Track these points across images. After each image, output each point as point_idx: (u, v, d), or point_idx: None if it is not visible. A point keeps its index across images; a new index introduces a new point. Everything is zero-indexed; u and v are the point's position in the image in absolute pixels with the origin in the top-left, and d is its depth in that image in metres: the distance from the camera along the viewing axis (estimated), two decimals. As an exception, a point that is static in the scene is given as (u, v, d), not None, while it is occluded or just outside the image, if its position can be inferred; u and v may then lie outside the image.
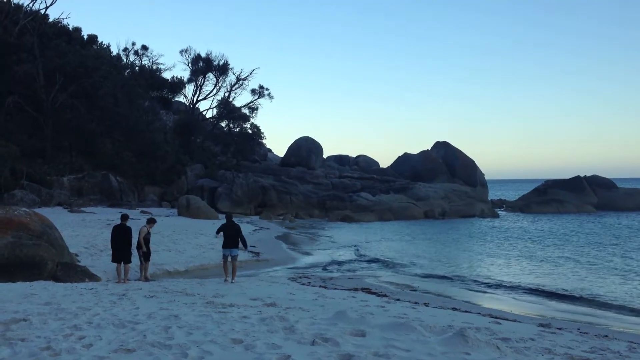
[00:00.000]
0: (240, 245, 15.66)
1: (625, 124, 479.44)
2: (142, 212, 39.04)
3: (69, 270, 15.16)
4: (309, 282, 17.42)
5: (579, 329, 11.29)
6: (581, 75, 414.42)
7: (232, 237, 15.48)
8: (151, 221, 16.13)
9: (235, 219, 16.79)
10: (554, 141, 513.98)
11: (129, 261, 14.85)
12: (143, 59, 63.83)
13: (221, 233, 15.73)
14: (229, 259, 15.46)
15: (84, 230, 24.50)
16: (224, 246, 15.53)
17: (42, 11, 47.95)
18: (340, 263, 23.64)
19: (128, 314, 8.91)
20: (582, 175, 63.59)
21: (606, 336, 10.33)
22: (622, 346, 8.96)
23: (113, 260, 14.87)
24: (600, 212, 57.47)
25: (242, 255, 17.63)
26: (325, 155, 66.20)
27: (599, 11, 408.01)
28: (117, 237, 14.76)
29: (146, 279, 15.13)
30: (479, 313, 12.78)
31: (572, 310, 14.93)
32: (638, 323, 13.43)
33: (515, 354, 7.02)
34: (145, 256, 15.37)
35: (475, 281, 19.60)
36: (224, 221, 16.18)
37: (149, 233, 15.71)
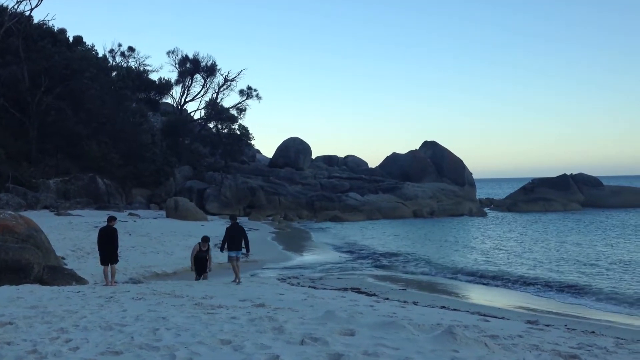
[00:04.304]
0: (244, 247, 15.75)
1: (610, 122, 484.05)
2: (130, 214, 38.83)
3: (56, 274, 15.02)
4: (299, 283, 17.42)
5: (566, 325, 11.37)
6: (567, 75, 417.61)
7: (237, 239, 15.59)
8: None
9: (222, 220, 16.81)
10: (540, 140, 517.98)
11: (116, 262, 14.76)
12: (130, 61, 63.63)
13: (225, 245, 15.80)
14: (235, 260, 15.53)
15: (71, 233, 24.32)
16: (230, 248, 15.58)
17: (27, 13, 47.61)
18: (329, 263, 23.66)
19: (115, 317, 8.84)
20: (568, 173, 64.20)
21: (593, 332, 10.41)
22: (609, 342, 9.02)
23: (101, 263, 14.75)
24: (586, 209, 57.92)
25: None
26: (313, 156, 66.24)
27: (578, 14, 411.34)
28: (104, 240, 14.63)
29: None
30: (468, 311, 12.83)
31: (560, 305, 15.05)
32: (625, 319, 13.55)
33: (503, 350, 7.04)
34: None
35: (465, 277, 19.74)
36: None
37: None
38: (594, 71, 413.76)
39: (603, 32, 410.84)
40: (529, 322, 11.29)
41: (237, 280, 15.29)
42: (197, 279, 15.99)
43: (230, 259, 15.64)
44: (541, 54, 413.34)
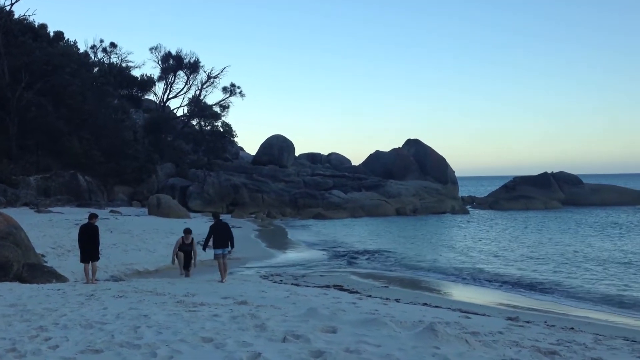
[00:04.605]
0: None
1: (590, 122, 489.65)
2: (112, 211, 38.53)
3: (35, 271, 14.85)
4: (281, 280, 17.41)
5: (546, 321, 11.49)
6: (549, 74, 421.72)
7: (223, 236, 15.41)
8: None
9: (205, 217, 16.75)
10: (522, 138, 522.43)
11: (97, 259, 14.64)
12: (112, 57, 63.00)
13: (210, 243, 15.62)
14: (222, 257, 15.35)
15: (51, 231, 24.05)
16: (217, 246, 15.35)
17: (7, 8, 46.92)
18: (312, 260, 23.68)
19: (96, 315, 8.76)
20: (549, 171, 64.79)
21: (572, 328, 10.53)
22: (588, 338, 9.14)
23: (82, 260, 14.61)
24: (567, 207, 58.55)
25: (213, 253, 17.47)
26: (297, 154, 66.19)
27: (561, 11, 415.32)
28: (85, 237, 14.50)
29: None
30: (449, 308, 12.92)
31: (540, 302, 15.21)
32: (604, 316, 13.72)
33: (483, 347, 7.11)
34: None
35: (446, 274, 19.87)
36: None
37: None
38: (576, 70, 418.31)
39: (586, 30, 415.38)
40: (509, 318, 11.40)
41: (224, 280, 15.15)
42: (182, 273, 15.92)
43: (216, 256, 15.49)
44: (524, 52, 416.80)
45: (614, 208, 57.44)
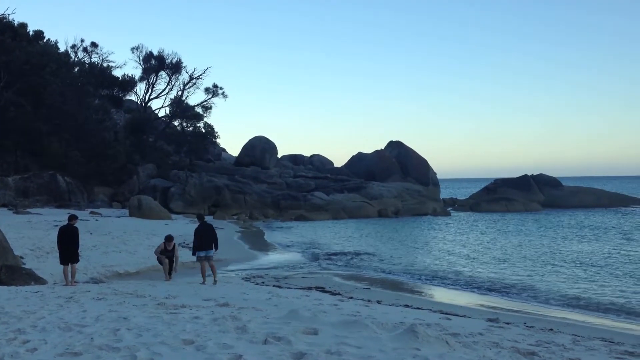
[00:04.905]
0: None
1: (571, 124, 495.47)
2: (92, 213, 38.16)
3: (14, 273, 14.64)
4: (263, 282, 17.37)
5: (525, 323, 11.61)
6: (530, 77, 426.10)
7: (207, 238, 15.22)
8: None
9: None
10: (503, 141, 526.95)
11: (77, 261, 14.49)
12: (92, 56, 62.24)
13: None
14: (206, 260, 15.18)
15: (30, 232, 23.74)
16: (200, 248, 15.18)
17: (-15, 6, 46.28)
18: (294, 262, 23.68)
19: (75, 317, 8.67)
20: (529, 174, 65.49)
21: (551, 329, 10.65)
22: (566, 339, 9.25)
23: (61, 262, 14.44)
24: (546, 209, 59.19)
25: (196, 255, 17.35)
26: (279, 155, 66.09)
27: (544, 13, 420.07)
28: (65, 239, 14.34)
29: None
30: (430, 309, 12.99)
31: (520, 304, 15.36)
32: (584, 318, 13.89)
33: (463, 348, 7.17)
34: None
35: (427, 277, 19.96)
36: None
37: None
38: (558, 74, 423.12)
39: (568, 32, 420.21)
40: (489, 320, 11.50)
41: (213, 280, 14.98)
42: (167, 279, 15.71)
43: (199, 258, 15.34)
44: (507, 54, 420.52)
45: (592, 210, 58.25)
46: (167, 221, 37.13)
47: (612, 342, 9.48)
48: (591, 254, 25.78)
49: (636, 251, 26.75)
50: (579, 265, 22.50)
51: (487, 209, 59.59)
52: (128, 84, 63.22)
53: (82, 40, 61.70)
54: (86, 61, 61.34)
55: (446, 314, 12.12)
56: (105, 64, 62.08)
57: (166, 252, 15.81)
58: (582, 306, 15.21)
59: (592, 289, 17.39)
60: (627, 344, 9.45)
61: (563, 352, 7.62)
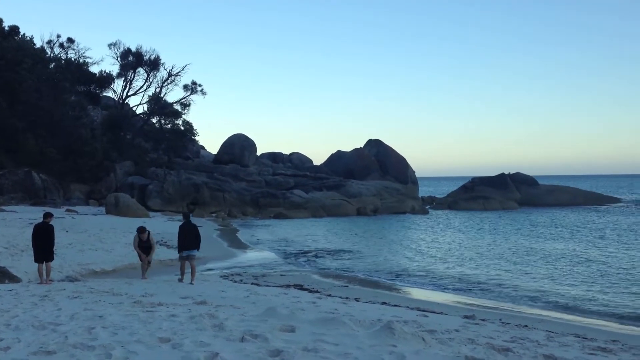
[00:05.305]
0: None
1: (547, 125, 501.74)
2: (68, 210, 37.70)
3: (-13, 272, 14.42)
4: (241, 280, 17.34)
5: (501, 319, 11.75)
6: (508, 76, 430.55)
7: (190, 237, 14.91)
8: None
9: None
10: (482, 140, 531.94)
11: (52, 259, 14.32)
12: (69, 52, 61.45)
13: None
14: (187, 259, 14.90)
15: (4, 230, 23.38)
16: (183, 247, 14.84)
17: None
18: (273, 260, 23.69)
19: (49, 316, 8.57)
20: (506, 172, 66.18)
21: (526, 326, 10.80)
22: (540, 335, 9.39)
23: (36, 260, 14.26)
24: (523, 208, 59.88)
25: (174, 253, 17.23)
26: (258, 153, 65.95)
27: (522, 12, 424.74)
28: (40, 236, 14.16)
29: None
30: (408, 306, 13.08)
31: (496, 301, 15.53)
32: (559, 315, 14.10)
33: (439, 344, 7.23)
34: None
35: (404, 274, 20.09)
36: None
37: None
38: (535, 73, 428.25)
39: (547, 30, 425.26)
40: (465, 316, 11.62)
41: (191, 281, 14.75)
42: (144, 277, 15.50)
43: (181, 258, 15.14)
44: (485, 53, 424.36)
45: (567, 208, 59.12)
46: (145, 219, 36.74)
47: (585, 338, 9.64)
48: (565, 252, 26.17)
49: (609, 249, 27.21)
50: (552, 263, 22.81)
51: (465, 207, 60.12)
52: (105, 80, 62.53)
53: (59, 36, 60.95)
54: (62, 57, 60.56)
55: (423, 311, 12.22)
56: (82, 60, 61.39)
57: (142, 244, 15.47)
58: (556, 303, 15.42)
59: (566, 287, 17.65)
60: (599, 339, 9.62)
61: (537, 348, 7.72)
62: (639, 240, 31.00)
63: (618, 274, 19.87)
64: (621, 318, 13.63)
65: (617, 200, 71.20)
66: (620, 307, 14.76)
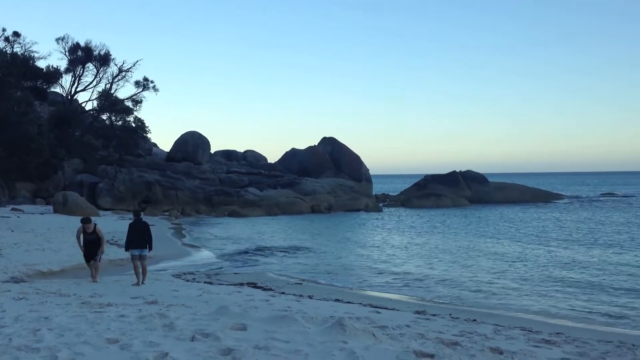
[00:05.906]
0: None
1: (495, 122, 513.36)
2: (13, 209, 36.54)
3: None
4: (194, 278, 17.15)
5: (450, 314, 11.99)
6: (458, 75, 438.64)
7: (141, 236, 14.42)
8: None
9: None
10: (433, 137, 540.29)
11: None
12: (15, 46, 59.35)
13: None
14: (139, 259, 14.37)
15: (-55, 230, 22.50)
16: (133, 246, 14.29)
17: None
18: (226, 258, 23.55)
19: (-8, 318, 8.31)
20: (458, 170, 67.44)
21: (475, 320, 11.06)
22: (488, 329, 9.64)
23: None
24: (474, 205, 61.15)
25: (125, 252, 16.75)
26: (212, 150, 65.29)
27: (486, 10, 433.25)
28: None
29: None
30: (361, 303, 13.20)
31: (447, 297, 15.83)
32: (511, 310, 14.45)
33: (390, 340, 7.34)
34: None
35: (360, 271, 20.26)
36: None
37: None
38: (483, 73, 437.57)
39: (499, 30, 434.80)
40: (417, 312, 11.82)
41: (142, 281, 14.20)
42: (88, 265, 14.72)
43: (133, 257, 14.71)
44: (438, 51, 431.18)
45: (516, 205, 60.71)
46: (95, 218, 35.95)
47: (531, 331, 9.94)
48: (512, 249, 26.89)
49: (552, 246, 28.10)
50: (501, 259, 23.40)
51: (418, 205, 60.98)
52: (53, 75, 60.65)
53: (4, 30, 58.62)
54: (8, 51, 58.44)
55: (376, 307, 12.36)
56: (28, 55, 59.39)
57: (87, 236, 14.37)
58: (505, 298, 15.81)
59: (515, 282, 18.13)
60: (544, 332, 9.94)
61: (484, 342, 7.93)
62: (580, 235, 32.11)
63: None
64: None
65: (561, 197, 73.71)
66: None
